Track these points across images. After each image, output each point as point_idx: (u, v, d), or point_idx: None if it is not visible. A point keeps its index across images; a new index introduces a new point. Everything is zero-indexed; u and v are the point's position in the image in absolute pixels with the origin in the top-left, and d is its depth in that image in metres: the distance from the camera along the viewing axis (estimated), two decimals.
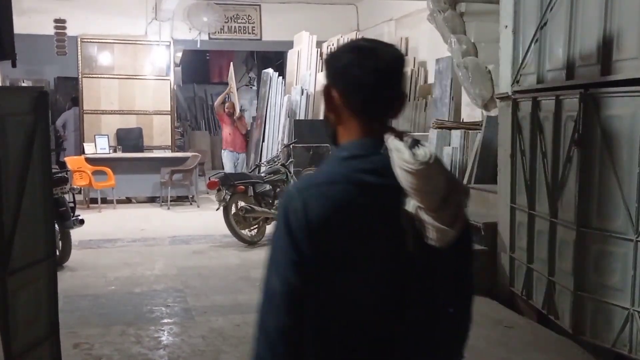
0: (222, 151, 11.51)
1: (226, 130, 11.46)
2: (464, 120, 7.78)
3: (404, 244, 1.46)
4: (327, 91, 1.58)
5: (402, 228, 1.45)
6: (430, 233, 1.45)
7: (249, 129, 12.34)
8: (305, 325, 1.50)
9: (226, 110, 11.59)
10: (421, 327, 1.52)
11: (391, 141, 1.46)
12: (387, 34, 11.27)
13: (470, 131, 7.30)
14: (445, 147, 7.57)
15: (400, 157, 1.42)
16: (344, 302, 1.48)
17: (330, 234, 1.46)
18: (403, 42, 10.55)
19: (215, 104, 12.00)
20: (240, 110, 13.29)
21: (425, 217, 1.44)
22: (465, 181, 7.01)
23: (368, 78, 1.50)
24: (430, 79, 9.34)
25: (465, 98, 7.55)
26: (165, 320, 5.08)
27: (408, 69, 9.83)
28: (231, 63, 12.83)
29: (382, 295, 1.49)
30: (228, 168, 11.08)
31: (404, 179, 1.42)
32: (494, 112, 6.49)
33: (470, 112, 7.75)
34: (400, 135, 1.48)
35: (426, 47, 9.77)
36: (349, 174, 1.48)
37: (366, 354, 1.49)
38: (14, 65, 3.09)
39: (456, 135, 7.47)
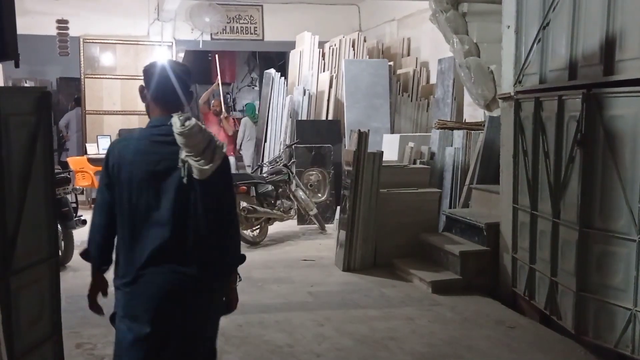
0: None
1: (212, 130, 11.21)
2: (467, 121, 7.77)
3: (180, 177, 2.56)
4: (141, 89, 2.79)
5: (178, 167, 2.55)
6: (195, 171, 2.53)
7: (236, 129, 11.85)
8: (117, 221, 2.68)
9: (212, 108, 11.17)
10: (198, 228, 2.61)
11: (173, 117, 2.58)
12: (389, 34, 11.27)
13: (472, 131, 7.30)
14: (447, 147, 7.58)
15: (175, 126, 2.54)
16: (132, 207, 2.63)
17: (129, 168, 2.61)
18: (405, 43, 10.55)
19: (200, 101, 11.28)
20: (227, 107, 12.75)
21: (191, 161, 2.53)
22: (467, 182, 7.02)
23: (157, 85, 2.71)
24: (433, 79, 9.33)
25: (467, 98, 7.54)
26: None
27: (410, 69, 9.84)
28: (216, 56, 12.23)
29: (169, 207, 2.59)
30: None
31: (178, 138, 2.54)
32: (496, 113, 6.49)
33: (473, 112, 7.74)
34: (185, 118, 2.57)
35: (428, 47, 9.76)
36: (148, 135, 2.67)
37: (150, 249, 2.60)
38: (17, 65, 3.09)
39: (458, 135, 7.47)
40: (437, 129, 7.69)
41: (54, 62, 12.10)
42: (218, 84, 11.53)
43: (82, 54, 11.38)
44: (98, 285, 3.02)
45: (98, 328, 4.83)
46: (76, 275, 6.22)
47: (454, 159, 7.41)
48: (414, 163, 7.79)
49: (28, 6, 10.92)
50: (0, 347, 2.38)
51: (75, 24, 11.01)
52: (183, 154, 2.54)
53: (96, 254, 2.92)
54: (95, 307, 3.07)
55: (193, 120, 2.55)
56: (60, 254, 6.22)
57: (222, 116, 11.14)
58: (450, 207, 7.22)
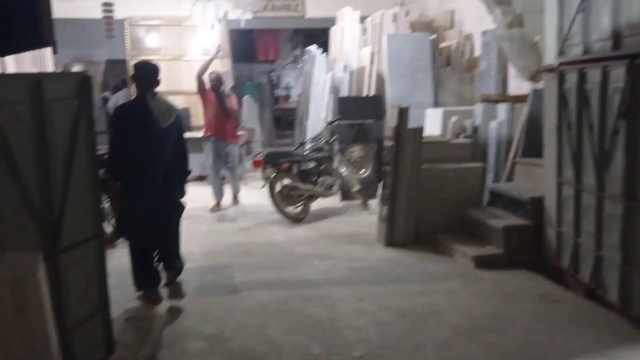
0: (204, 141, 8.88)
1: (210, 111, 8.72)
2: (511, 94, 7.63)
3: (152, 126, 4.76)
4: (131, 77, 5.73)
5: (151, 121, 4.75)
6: (161, 121, 4.77)
7: (237, 109, 9.42)
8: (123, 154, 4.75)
9: (210, 82, 8.75)
10: (164, 163, 4.84)
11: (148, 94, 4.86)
12: (432, 7, 11.09)
13: (516, 104, 7.16)
14: (491, 121, 7.46)
15: (151, 99, 4.85)
16: (132, 150, 4.74)
17: (122, 123, 4.80)
18: (448, 15, 10.37)
19: (198, 72, 8.72)
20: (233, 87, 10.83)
21: (158, 117, 4.77)
22: (511, 155, 6.93)
23: (137, 75, 4.94)
24: (477, 52, 9.17)
25: (512, 71, 7.40)
26: (213, 295, 5.21)
27: (453, 42, 9.69)
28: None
29: (142, 150, 4.74)
30: (212, 164, 8.83)
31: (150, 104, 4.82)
32: (541, 85, 6.35)
33: (518, 85, 7.59)
34: (152, 93, 4.88)
35: (472, 19, 9.58)
36: (136, 101, 4.94)
37: (140, 172, 4.74)
38: (55, 51, 3.19)
39: (502, 108, 7.35)
40: (481, 102, 7.57)
41: (101, 45, 12.34)
42: (218, 51, 9.27)
43: (127, 36, 11.58)
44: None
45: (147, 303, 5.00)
46: (124, 253, 6.41)
47: (497, 132, 7.30)
48: (457, 137, 7.71)
49: None
50: (47, 322, 2.51)
51: (120, 7, 11.20)
52: (155, 114, 4.81)
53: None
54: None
55: (162, 98, 4.99)
56: (110, 231, 6.46)
57: (222, 92, 8.84)
58: (493, 182, 7.14)
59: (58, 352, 2.63)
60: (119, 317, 4.47)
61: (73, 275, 3.51)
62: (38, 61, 9.11)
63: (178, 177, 5.03)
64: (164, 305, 4.93)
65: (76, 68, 11.75)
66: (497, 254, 5.90)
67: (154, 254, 5.06)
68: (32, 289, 2.44)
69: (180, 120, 5.02)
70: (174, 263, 5.12)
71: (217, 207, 8.82)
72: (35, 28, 2.96)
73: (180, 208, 5.17)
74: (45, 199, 3.27)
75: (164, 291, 5.10)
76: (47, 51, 9.73)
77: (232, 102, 8.98)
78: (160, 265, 5.12)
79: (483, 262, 5.80)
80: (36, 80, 3.21)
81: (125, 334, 4.34)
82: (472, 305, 4.89)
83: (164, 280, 5.12)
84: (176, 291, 5.05)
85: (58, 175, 3.35)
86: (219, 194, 8.88)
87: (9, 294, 2.39)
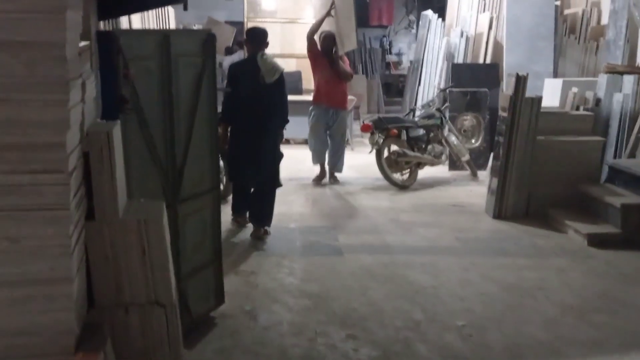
0: (311, 107, 8.13)
1: (320, 75, 7.93)
2: (639, 65, 7.17)
3: (259, 81, 5.53)
4: (244, 39, 6.63)
5: (259, 77, 5.52)
6: (267, 77, 5.53)
7: (351, 73, 8.29)
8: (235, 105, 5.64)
9: (321, 43, 7.83)
10: (267, 112, 5.63)
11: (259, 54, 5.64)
12: None
13: None
14: (616, 93, 7.06)
15: (259, 57, 5.62)
16: (242, 100, 5.58)
17: (234, 77, 5.70)
18: None
19: (308, 33, 8.00)
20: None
21: (265, 73, 5.54)
22: (635, 131, 6.55)
23: (248, 38, 5.93)
24: (604, 20, 8.65)
25: None
26: (317, 256, 5.32)
27: (579, 9, 9.19)
28: None
29: (250, 101, 5.56)
30: (314, 135, 8.06)
31: (259, 63, 5.60)
32: None
33: None
34: (261, 54, 5.66)
35: None
36: (248, 60, 5.82)
37: (246, 119, 5.60)
38: (185, 8, 3.32)
39: (629, 80, 6.92)
40: (606, 73, 7.16)
41: (220, 7, 12.69)
42: (332, 7, 8.03)
43: None
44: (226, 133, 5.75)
45: (254, 257, 5.21)
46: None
47: (622, 105, 6.90)
48: (577, 109, 7.36)
49: None
50: (168, 265, 2.66)
51: None
52: (262, 70, 5.55)
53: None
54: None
55: (267, 57, 5.67)
56: (222, 187, 6.71)
57: (335, 55, 7.87)
58: (614, 158, 6.78)
59: (176, 296, 2.80)
60: (228, 269, 4.67)
61: (190, 225, 3.70)
62: (161, 19, 9.50)
63: (278, 124, 5.83)
64: (270, 262, 5.09)
65: (196, 28, 12.13)
66: (613, 233, 5.64)
67: (251, 190, 5.91)
68: (155, 233, 2.59)
69: (283, 77, 5.73)
70: (264, 217, 5.80)
71: (322, 175, 8.06)
72: None
73: (279, 154, 5.96)
74: (169, 150, 3.44)
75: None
76: (170, 10, 10.10)
77: (346, 65, 8.03)
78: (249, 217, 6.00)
79: (597, 240, 5.57)
80: (164, 37, 3.36)
81: (233, 286, 4.53)
82: (582, 283, 4.72)
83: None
84: (259, 235, 5.74)
85: (181, 129, 3.51)
86: (320, 157, 8.05)
87: (136, 236, 2.55)
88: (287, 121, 5.97)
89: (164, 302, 2.63)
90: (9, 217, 2.16)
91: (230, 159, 5.88)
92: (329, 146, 8.05)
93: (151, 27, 8.81)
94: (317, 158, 8.12)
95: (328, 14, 7.97)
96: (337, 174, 8.14)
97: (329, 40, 7.81)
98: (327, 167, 8.13)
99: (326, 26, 7.96)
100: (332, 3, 8.01)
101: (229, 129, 5.72)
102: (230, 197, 6.45)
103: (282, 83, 5.73)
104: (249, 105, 5.56)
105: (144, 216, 2.60)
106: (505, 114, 6.57)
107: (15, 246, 2.19)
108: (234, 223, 6.14)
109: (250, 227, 5.86)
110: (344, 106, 8.12)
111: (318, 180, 8.05)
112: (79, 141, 2.41)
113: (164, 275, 2.66)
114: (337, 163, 8.08)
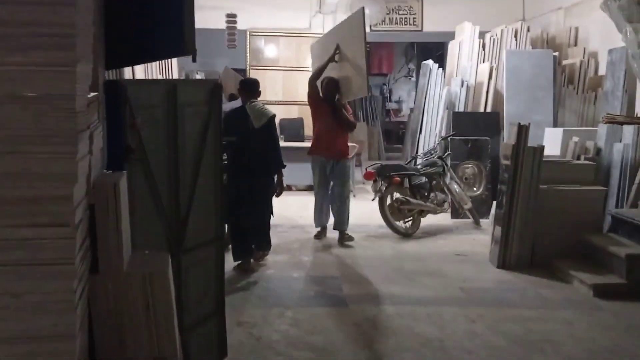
0: (311, 158, 7.54)
1: (320, 124, 7.37)
2: (638, 115, 7.20)
3: (248, 126, 6.01)
4: (238, 90, 6.59)
5: (248, 123, 6.03)
6: (255, 122, 6.02)
7: (355, 123, 7.74)
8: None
9: (323, 89, 7.32)
10: (258, 155, 6.04)
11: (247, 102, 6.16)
12: (555, 24, 10.70)
13: None
14: (615, 143, 7.08)
15: (248, 105, 6.16)
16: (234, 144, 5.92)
17: (228, 125, 5.48)
18: (572, 32, 9.97)
19: (310, 78, 7.56)
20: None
21: (252, 118, 6.04)
22: (637, 180, 6.54)
23: (241, 87, 6.42)
24: (602, 71, 8.75)
25: None
26: (320, 306, 5.24)
27: (577, 60, 9.30)
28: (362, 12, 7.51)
29: (243, 145, 5.98)
30: (317, 190, 7.52)
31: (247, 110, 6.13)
32: None
33: None
34: (250, 101, 6.17)
35: (598, 36, 9.16)
36: (239, 109, 6.26)
37: (241, 162, 6.04)
38: (194, 60, 3.33)
39: (628, 130, 6.95)
40: (605, 123, 7.19)
41: (222, 54, 12.82)
42: (336, 52, 7.49)
43: (248, 46, 11.97)
44: None
45: (257, 308, 5.12)
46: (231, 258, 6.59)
47: (622, 155, 6.91)
48: (578, 159, 7.37)
49: (201, 1, 11.65)
50: (173, 320, 2.60)
51: (242, 18, 11.60)
52: (252, 118, 6.03)
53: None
54: None
55: (258, 103, 6.21)
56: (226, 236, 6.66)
57: (338, 101, 7.31)
58: (617, 207, 6.76)
59: (180, 350, 2.73)
60: (230, 320, 4.58)
61: (193, 275, 3.64)
62: (163, 68, 9.57)
63: (273, 168, 6.18)
64: (273, 313, 5.00)
65: (198, 77, 12.22)
66: (618, 284, 5.58)
67: (249, 232, 6.17)
68: (160, 286, 2.54)
69: (273, 122, 6.17)
70: (262, 243, 6.31)
71: (323, 233, 7.52)
72: (179, 37, 3.11)
73: (271, 196, 6.37)
74: (173, 199, 3.41)
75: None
76: (173, 60, 10.20)
77: (349, 114, 7.47)
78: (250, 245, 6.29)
79: (603, 291, 5.50)
80: (172, 86, 3.37)
81: (236, 337, 4.44)
82: (591, 336, 4.64)
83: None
84: (260, 258, 6.33)
85: (186, 178, 3.49)
86: (323, 218, 7.50)
87: (141, 290, 2.50)
88: (283, 165, 6.21)
89: (167, 357, 2.56)
90: (11, 271, 2.11)
91: (227, 199, 5.97)
92: (331, 201, 7.40)
93: (154, 74, 8.88)
94: (319, 219, 7.51)
95: (332, 59, 7.43)
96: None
97: (332, 86, 7.30)
98: (329, 225, 7.54)
99: (332, 72, 7.49)
100: (337, 47, 7.47)
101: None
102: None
103: (272, 127, 6.15)
104: (242, 149, 5.98)
105: (149, 270, 2.56)
106: (507, 163, 6.57)
107: (17, 302, 2.13)
108: (237, 270, 6.15)
109: (255, 275, 5.83)
110: (345, 156, 7.54)
111: (317, 236, 7.52)
112: (86, 193, 2.38)
113: (169, 330, 2.59)
114: (343, 221, 7.37)
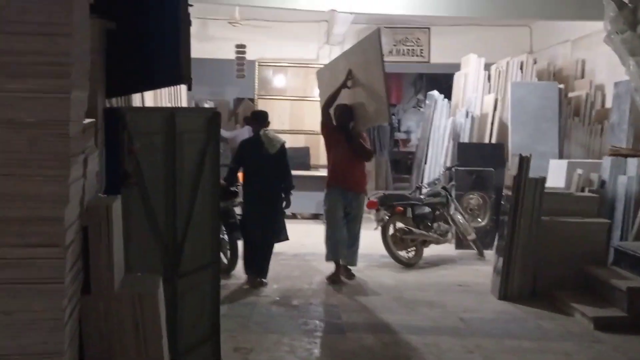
0: (325, 191, 7.06)
1: (335, 154, 6.94)
2: None
3: (263, 153, 6.55)
4: (250, 120, 8.69)
5: (263, 149, 6.55)
6: (270, 148, 6.56)
7: (372, 152, 7.49)
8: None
9: (336, 117, 6.97)
10: (273, 178, 6.60)
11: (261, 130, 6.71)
12: (562, 56, 10.81)
13: None
14: (620, 175, 7.09)
15: (262, 134, 6.70)
16: (248, 169, 6.70)
17: (244, 152, 6.72)
18: (579, 65, 10.05)
19: (322, 106, 7.23)
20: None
21: (267, 145, 6.57)
22: None
23: (252, 118, 7.25)
24: (608, 103, 8.80)
25: None
26: (318, 333, 5.25)
27: (583, 93, 9.36)
28: (379, 31, 7.06)
29: (257, 169, 6.59)
30: (331, 222, 6.95)
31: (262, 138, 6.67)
32: None
33: None
34: (263, 130, 6.74)
35: (605, 69, 9.23)
36: (253, 137, 6.93)
37: (256, 185, 6.60)
38: (189, 89, 3.43)
39: (633, 163, 6.96)
40: (610, 155, 7.23)
41: (231, 84, 13.03)
42: (348, 78, 7.05)
43: (257, 76, 12.15)
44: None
45: (255, 334, 5.14)
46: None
47: (627, 188, 6.91)
48: (582, 191, 7.38)
49: (211, 32, 11.89)
50: (162, 341, 2.65)
51: (252, 49, 11.80)
52: (265, 144, 6.55)
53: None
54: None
55: (269, 131, 6.76)
56: (225, 262, 6.70)
57: (352, 130, 6.95)
58: (620, 240, 6.74)
59: None
60: (226, 344, 4.60)
61: (189, 300, 3.69)
62: (174, 96, 9.74)
63: (284, 190, 6.68)
64: (270, 340, 5.02)
65: (207, 105, 12.40)
66: (619, 317, 5.55)
67: (260, 249, 6.61)
68: (149, 307, 2.59)
69: (284, 148, 6.70)
70: (264, 265, 6.67)
71: (337, 273, 6.92)
72: (175, 67, 3.22)
73: (283, 216, 6.89)
74: (170, 224, 3.48)
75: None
76: (183, 87, 10.38)
77: (365, 142, 7.06)
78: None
79: (604, 324, 5.47)
80: (170, 114, 3.46)
81: None
82: None
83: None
84: (259, 283, 6.58)
85: (183, 203, 3.56)
86: (336, 253, 6.90)
87: (129, 310, 2.55)
88: (293, 186, 6.74)
89: None
90: (4, 289, 2.18)
91: (243, 219, 6.76)
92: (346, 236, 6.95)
93: (164, 102, 9.04)
94: (333, 252, 6.91)
95: (344, 85, 7.01)
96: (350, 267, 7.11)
97: (346, 113, 6.94)
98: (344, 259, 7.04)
99: (344, 99, 7.07)
100: (349, 73, 7.03)
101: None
102: (233, 272, 6.45)
103: (284, 153, 6.70)
104: (257, 174, 6.57)
105: (139, 290, 2.61)
106: (509, 192, 6.60)
107: (8, 319, 2.20)
108: (248, 284, 6.56)
109: (254, 301, 5.85)
110: (363, 189, 7.13)
111: (333, 279, 6.88)
112: (78, 215, 2.45)
113: (157, 351, 2.63)
114: (353, 257, 7.06)
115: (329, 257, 6.94)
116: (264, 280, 6.62)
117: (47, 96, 2.16)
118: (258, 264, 6.62)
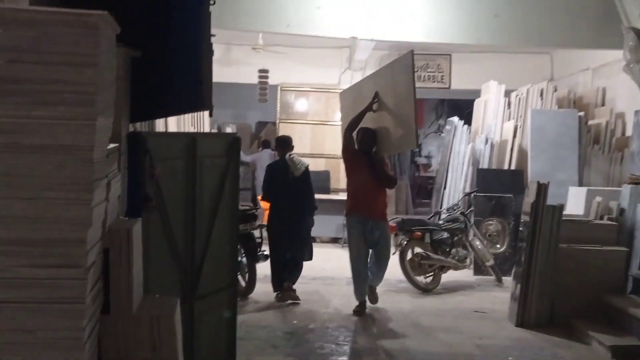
0: (346, 219, 6.87)
1: (356, 180, 6.69)
2: None
3: (288, 176, 7.08)
4: (275, 146, 8.74)
5: (289, 173, 7.05)
6: (295, 172, 7.06)
7: (395, 178, 7.20)
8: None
9: (359, 141, 6.71)
10: (299, 200, 7.10)
11: (287, 155, 7.25)
12: (583, 84, 10.82)
13: None
14: (639, 204, 7.06)
15: (287, 158, 7.24)
16: (275, 192, 7.24)
17: (271, 176, 7.27)
18: (600, 93, 10.05)
19: (345, 129, 6.89)
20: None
21: (292, 168, 7.07)
22: None
23: (277, 143, 7.78)
24: (628, 132, 8.78)
25: None
26: (334, 358, 5.28)
27: (603, 120, 9.35)
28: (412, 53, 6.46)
29: (284, 192, 7.11)
30: (355, 254, 6.69)
31: (288, 162, 7.18)
32: None
33: None
34: (289, 154, 7.29)
35: (625, 97, 9.22)
36: (279, 161, 7.43)
37: (283, 206, 7.15)
38: (210, 115, 3.53)
39: None
40: (629, 184, 7.20)
41: (254, 108, 13.23)
42: (374, 101, 6.75)
43: (279, 100, 12.33)
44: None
45: (271, 357, 5.18)
46: (256, 307, 6.69)
47: None
48: (601, 219, 7.34)
49: (234, 57, 12.11)
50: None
51: (274, 74, 12.00)
52: (291, 168, 7.06)
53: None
54: None
55: (295, 156, 7.29)
56: (244, 285, 6.77)
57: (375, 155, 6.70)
58: (639, 269, 6.69)
59: None
60: None
61: (206, 322, 3.76)
62: (196, 120, 9.91)
63: (307, 210, 7.16)
64: None
65: (229, 129, 12.57)
66: (637, 346, 5.51)
67: (286, 266, 7.07)
68: (167, 329, 2.66)
69: (308, 171, 7.21)
70: (295, 274, 7.11)
71: (363, 307, 6.67)
72: (197, 94, 3.33)
73: (309, 233, 7.34)
74: (189, 247, 3.56)
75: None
76: (206, 112, 10.55)
77: (387, 168, 6.82)
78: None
79: (621, 353, 5.43)
80: (192, 139, 3.57)
81: None
82: None
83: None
84: (291, 295, 6.93)
85: (202, 227, 3.65)
86: (363, 294, 6.70)
87: (148, 331, 2.62)
88: (316, 207, 7.31)
89: None
90: (25, 308, 2.27)
91: (271, 236, 7.18)
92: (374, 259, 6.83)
93: (187, 126, 9.20)
94: (360, 294, 6.68)
95: (369, 108, 6.69)
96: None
97: (369, 137, 6.66)
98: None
99: (367, 122, 6.79)
100: (375, 96, 6.71)
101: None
102: (251, 295, 6.53)
103: (308, 175, 7.21)
104: (283, 194, 7.05)
105: (157, 312, 2.69)
106: (527, 218, 6.60)
107: (31, 337, 2.28)
108: (280, 300, 6.93)
109: (271, 323, 5.88)
110: (385, 217, 6.82)
111: (358, 312, 6.63)
112: (100, 237, 2.54)
113: None
114: (380, 279, 6.96)
115: (359, 295, 6.72)
116: (294, 289, 6.98)
117: (73, 123, 2.26)
118: (290, 274, 7.05)
